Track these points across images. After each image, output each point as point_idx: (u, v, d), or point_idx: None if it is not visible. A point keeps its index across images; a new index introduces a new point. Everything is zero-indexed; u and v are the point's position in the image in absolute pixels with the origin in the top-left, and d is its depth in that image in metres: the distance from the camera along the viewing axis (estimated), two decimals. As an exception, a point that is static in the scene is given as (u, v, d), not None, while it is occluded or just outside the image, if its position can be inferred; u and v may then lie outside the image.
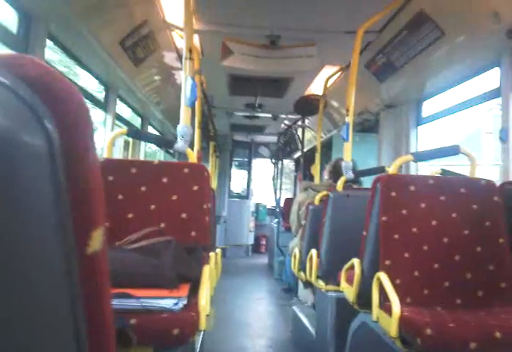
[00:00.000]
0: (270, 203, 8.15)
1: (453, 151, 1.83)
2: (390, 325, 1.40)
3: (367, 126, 4.06)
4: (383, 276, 1.57)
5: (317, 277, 2.43)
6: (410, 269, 1.65)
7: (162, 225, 1.67)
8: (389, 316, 1.44)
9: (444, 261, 1.68)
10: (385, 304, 1.52)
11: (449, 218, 1.72)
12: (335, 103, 4.41)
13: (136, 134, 2.37)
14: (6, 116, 0.29)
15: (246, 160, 8.10)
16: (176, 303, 1.25)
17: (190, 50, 2.00)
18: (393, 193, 1.70)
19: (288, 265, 4.06)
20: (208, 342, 2.59)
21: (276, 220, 6.16)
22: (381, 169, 2.52)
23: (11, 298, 0.29)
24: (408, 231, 1.68)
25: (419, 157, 1.96)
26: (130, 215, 1.68)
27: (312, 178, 4.26)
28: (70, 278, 0.34)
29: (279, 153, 6.89)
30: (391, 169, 1.83)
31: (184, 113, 1.96)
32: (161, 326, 1.17)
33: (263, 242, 7.81)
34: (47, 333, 0.33)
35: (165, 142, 2.54)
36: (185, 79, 1.98)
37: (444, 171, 2.23)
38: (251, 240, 7.61)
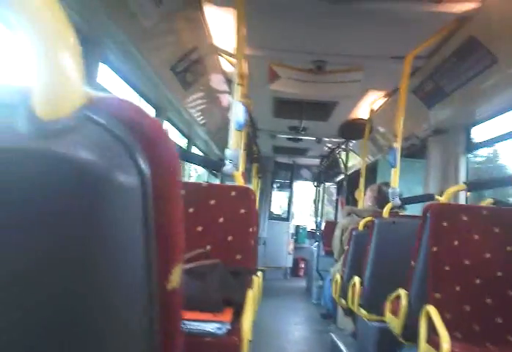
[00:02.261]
0: (310, 225, 8.04)
1: (510, 181, 1.77)
2: None
3: (412, 151, 3.98)
4: (432, 309, 1.51)
5: (360, 305, 2.37)
6: (460, 303, 1.58)
7: (208, 247, 1.69)
8: (437, 351, 1.38)
9: (497, 296, 1.60)
10: (433, 339, 1.46)
11: (503, 251, 1.65)
12: (380, 128, 4.36)
13: (185, 156, 2.42)
14: (104, 156, 0.29)
15: (287, 182, 8.07)
16: (220, 328, 1.25)
17: (241, 76, 2.05)
18: (444, 223, 1.65)
19: (328, 290, 3.98)
20: None
21: (316, 243, 6.06)
22: (430, 197, 2.45)
23: (95, 329, 0.30)
24: (459, 263, 1.62)
25: (473, 186, 1.90)
26: None
27: (354, 203, 4.19)
28: (151, 313, 0.34)
29: (321, 176, 6.83)
30: (442, 198, 1.78)
31: (233, 137, 1.99)
32: (204, 351, 1.17)
33: (302, 265, 7.65)
34: None
35: (213, 164, 2.57)
36: (235, 104, 2.02)
37: (496, 202, 2.14)
38: (289, 263, 7.49)
